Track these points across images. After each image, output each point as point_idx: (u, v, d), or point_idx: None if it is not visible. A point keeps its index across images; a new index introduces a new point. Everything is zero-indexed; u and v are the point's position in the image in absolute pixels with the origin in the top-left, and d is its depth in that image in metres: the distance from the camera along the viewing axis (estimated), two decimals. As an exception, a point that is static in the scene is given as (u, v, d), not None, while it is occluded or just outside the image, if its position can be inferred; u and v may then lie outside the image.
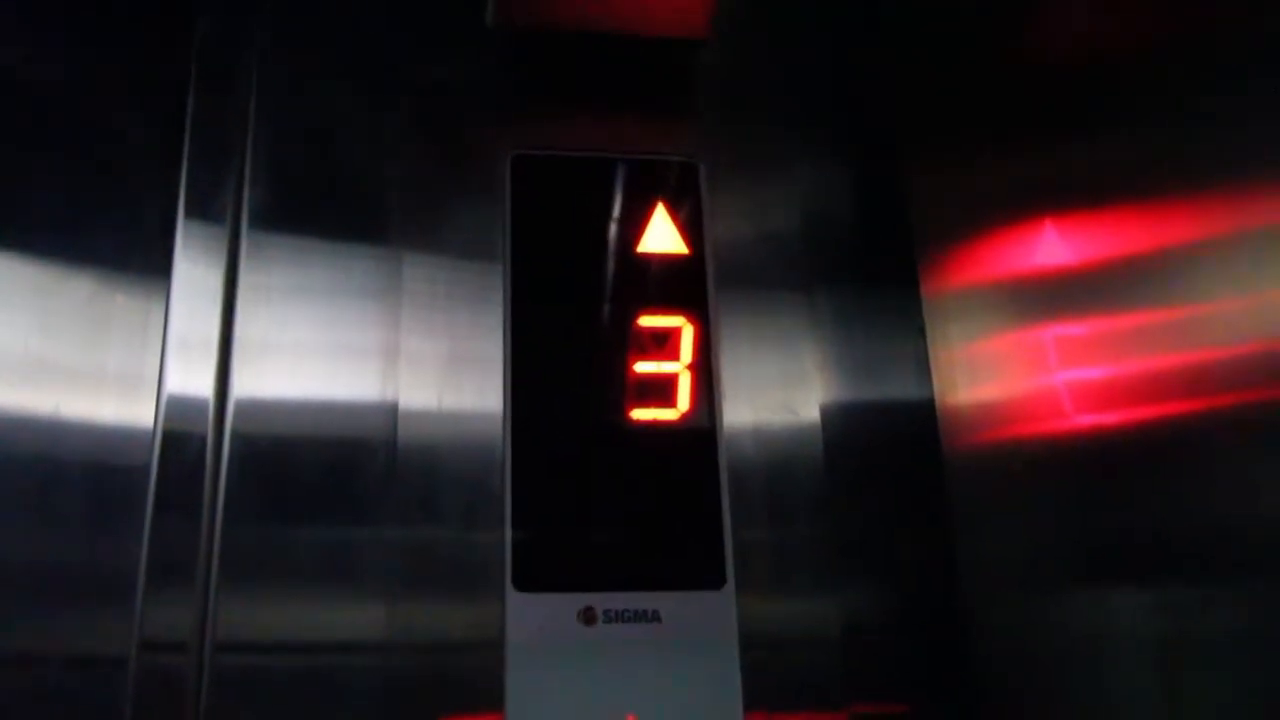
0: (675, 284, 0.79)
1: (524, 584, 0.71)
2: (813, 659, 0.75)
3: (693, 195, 0.81)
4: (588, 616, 0.71)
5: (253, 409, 0.73)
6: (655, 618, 0.71)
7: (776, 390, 0.80)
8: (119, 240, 0.74)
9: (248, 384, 0.74)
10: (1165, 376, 0.58)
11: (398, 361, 0.76)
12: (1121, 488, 0.62)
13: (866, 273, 0.85)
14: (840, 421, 0.80)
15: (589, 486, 0.74)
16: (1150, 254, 0.59)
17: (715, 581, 0.73)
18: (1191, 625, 0.57)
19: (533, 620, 0.70)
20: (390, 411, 0.75)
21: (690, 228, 0.80)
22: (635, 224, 0.80)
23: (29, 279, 0.71)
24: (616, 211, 0.80)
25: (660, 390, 0.77)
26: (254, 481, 0.72)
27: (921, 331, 0.83)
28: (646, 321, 0.78)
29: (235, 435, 0.72)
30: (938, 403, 0.81)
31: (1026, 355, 0.71)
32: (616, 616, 0.71)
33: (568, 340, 0.76)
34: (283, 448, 0.73)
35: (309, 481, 0.72)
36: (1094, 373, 0.64)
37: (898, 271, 0.85)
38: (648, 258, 0.79)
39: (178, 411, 0.72)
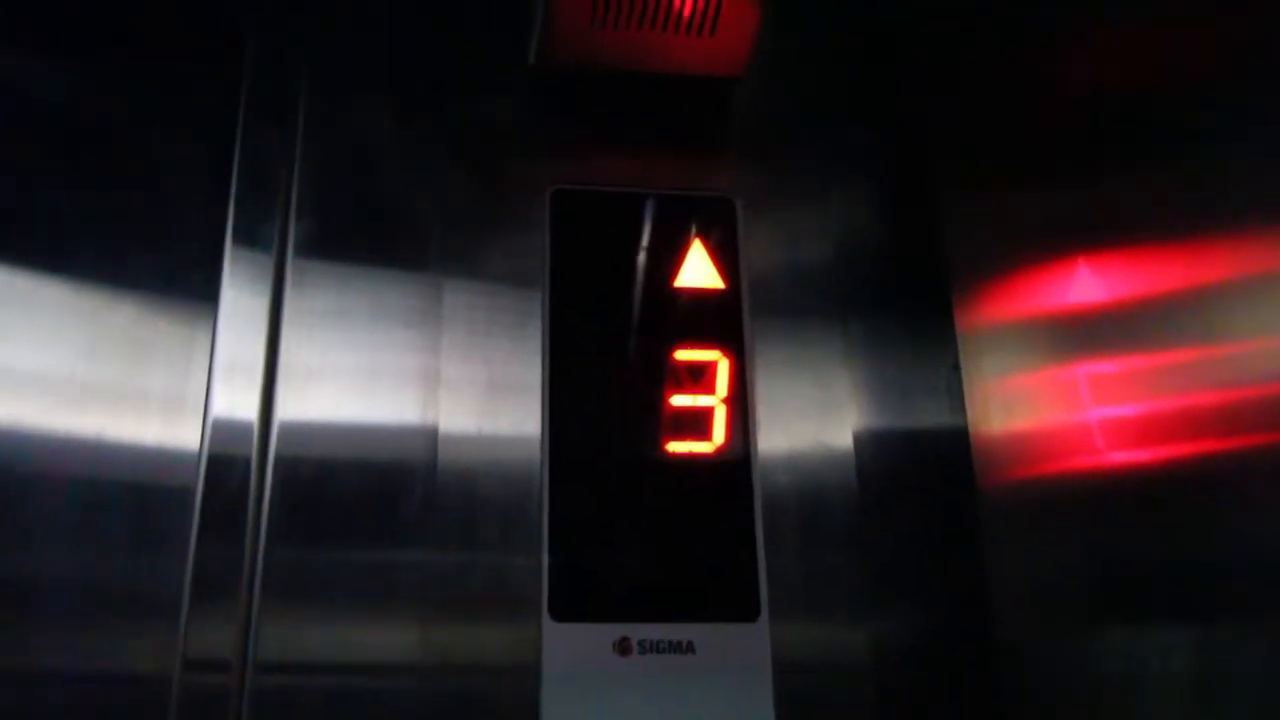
0: (711, 318, 0.80)
1: (561, 614, 0.72)
2: (844, 687, 0.76)
3: (729, 230, 0.82)
4: (623, 647, 0.72)
5: (296, 432, 0.75)
6: (690, 649, 0.72)
7: (810, 420, 0.81)
8: (165, 267, 0.76)
9: (291, 408, 0.75)
10: (1197, 413, 0.58)
11: (438, 387, 0.77)
12: (1153, 523, 0.62)
13: (900, 304, 0.86)
14: (873, 451, 0.81)
15: (625, 518, 0.75)
16: (1182, 291, 0.60)
17: (750, 614, 0.74)
18: (1223, 662, 0.57)
19: (569, 650, 0.71)
20: (430, 436, 0.76)
21: (726, 262, 0.82)
22: (672, 259, 0.81)
23: (77, 305, 0.74)
24: (654, 246, 0.81)
25: (696, 423, 0.77)
26: (296, 504, 0.73)
27: (956, 367, 0.83)
28: (683, 355, 0.79)
29: (279, 458, 0.74)
30: (971, 434, 0.82)
31: (1060, 389, 0.71)
32: (651, 647, 0.72)
33: (605, 373, 0.78)
34: (325, 471, 0.74)
35: (350, 504, 0.74)
36: (1126, 408, 0.64)
37: (931, 303, 0.85)
38: (684, 292, 0.80)
39: (223, 435, 0.73)
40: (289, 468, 0.74)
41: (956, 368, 0.83)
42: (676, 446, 0.77)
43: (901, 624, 0.78)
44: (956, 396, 0.83)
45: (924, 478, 0.81)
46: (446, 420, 0.77)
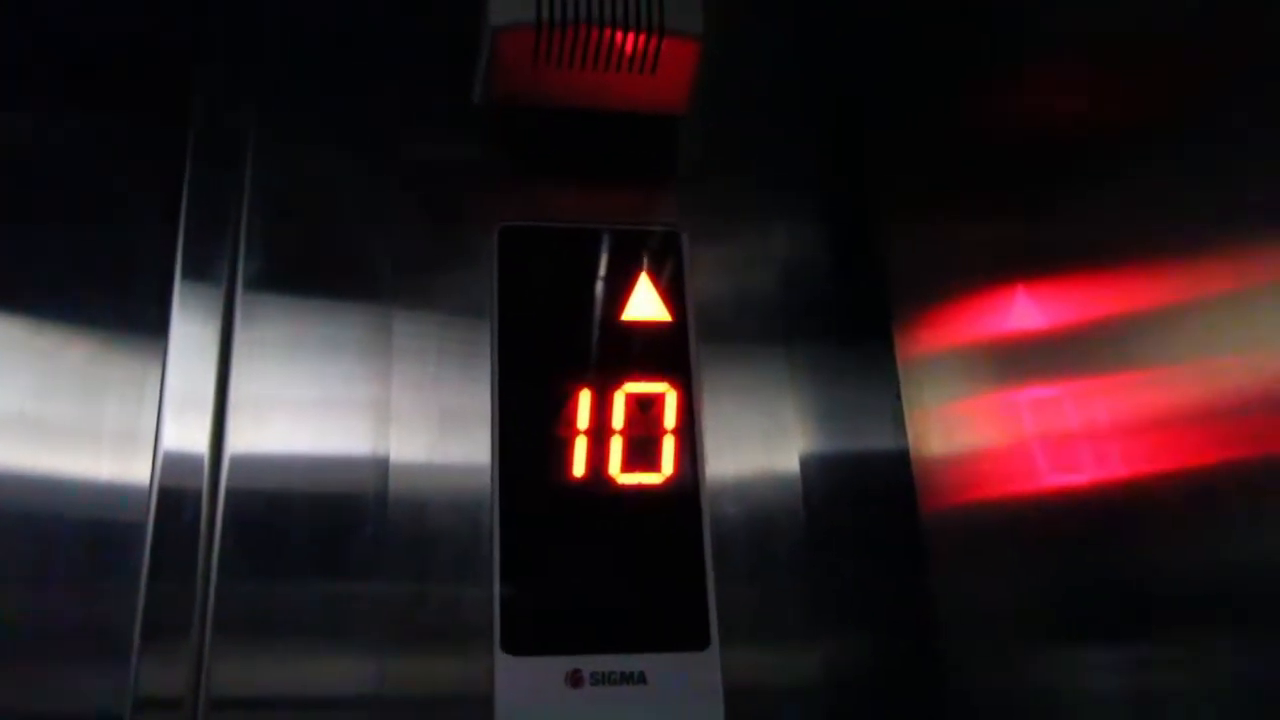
0: (659, 351, 0.81)
1: (513, 647, 0.72)
2: (795, 712, 0.77)
3: (675, 263, 0.84)
4: (575, 679, 0.72)
5: (247, 465, 0.75)
6: (641, 679, 0.73)
7: (757, 447, 0.82)
8: (116, 303, 0.77)
9: (242, 441, 0.75)
10: (1132, 437, 0.60)
11: (388, 417, 0.78)
12: (1094, 545, 0.63)
13: (844, 331, 0.87)
14: (820, 477, 0.82)
15: (576, 549, 0.76)
16: (1118, 317, 0.61)
17: (700, 643, 0.75)
18: (1164, 681, 0.58)
19: (521, 683, 0.72)
20: (381, 466, 0.76)
21: (673, 295, 0.83)
22: (620, 292, 0.82)
23: (28, 343, 0.74)
24: (601, 280, 0.82)
25: (645, 455, 0.78)
26: (248, 537, 0.73)
27: (898, 396, 0.85)
28: (631, 388, 0.80)
29: (230, 491, 0.73)
30: (913, 460, 0.83)
31: (997, 415, 0.73)
32: (603, 679, 0.73)
33: (554, 406, 0.79)
34: (277, 504, 0.74)
35: (302, 537, 0.74)
36: (1063, 432, 0.66)
37: (875, 330, 0.87)
38: (632, 326, 0.82)
39: (174, 468, 0.73)
40: (240, 501, 0.74)
41: (899, 395, 0.85)
42: (626, 478, 0.78)
43: (850, 648, 0.79)
44: (901, 423, 0.85)
45: (870, 503, 0.83)
46: (398, 451, 0.77)
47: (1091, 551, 0.64)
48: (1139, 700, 0.60)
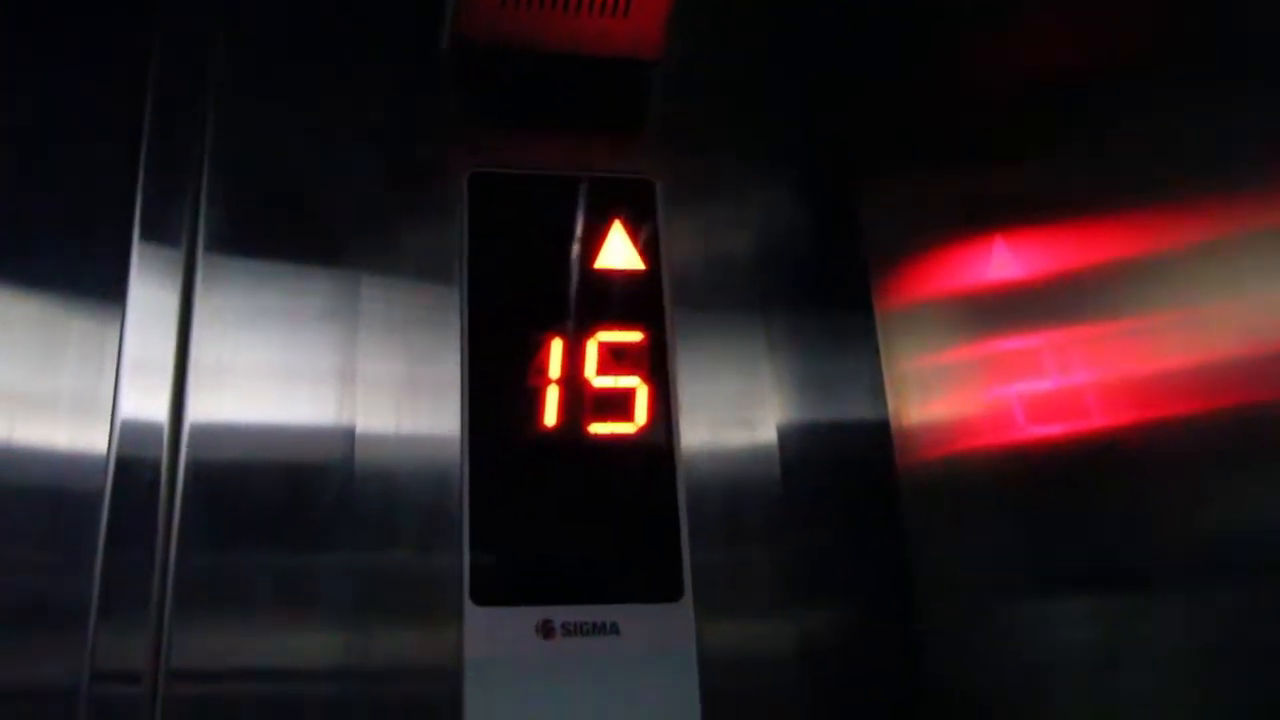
0: (632, 300, 0.80)
1: (481, 597, 0.71)
2: (769, 679, 0.75)
3: (649, 212, 0.82)
4: (546, 630, 0.71)
5: (208, 434, 0.72)
6: (614, 630, 0.71)
7: (734, 411, 0.81)
8: (73, 265, 0.74)
9: (203, 408, 0.73)
10: (1108, 390, 0.59)
11: (354, 385, 0.76)
12: (1067, 500, 0.63)
13: (821, 289, 0.86)
14: (797, 444, 0.81)
15: (548, 499, 0.74)
16: (1095, 270, 0.61)
17: (674, 594, 0.73)
18: (1130, 634, 0.58)
19: (490, 634, 0.70)
20: (347, 436, 0.74)
21: (647, 244, 0.81)
22: (592, 241, 0.81)
23: None
24: (573, 229, 0.81)
25: (618, 405, 0.77)
26: (210, 507, 0.71)
27: (877, 351, 0.84)
28: (604, 337, 0.78)
29: (190, 460, 0.71)
30: (892, 420, 0.82)
31: (977, 374, 0.72)
32: (575, 629, 0.71)
33: (525, 355, 0.77)
34: (238, 473, 0.72)
35: (265, 507, 0.72)
36: (1042, 386, 0.65)
37: (853, 289, 0.86)
38: (604, 274, 0.80)
39: (132, 436, 0.70)
40: (202, 471, 0.71)
41: (877, 350, 0.84)
42: (599, 428, 0.76)
43: (827, 618, 0.78)
44: (878, 391, 0.84)
45: (848, 471, 0.81)
46: (364, 418, 0.75)
47: (1069, 507, 0.63)
48: (1113, 655, 0.59)
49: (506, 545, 0.72)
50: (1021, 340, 0.67)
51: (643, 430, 0.77)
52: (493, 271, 0.79)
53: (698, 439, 0.79)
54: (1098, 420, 0.60)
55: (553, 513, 0.74)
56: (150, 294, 0.74)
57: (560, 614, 0.71)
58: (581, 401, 0.76)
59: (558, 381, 0.77)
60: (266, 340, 0.76)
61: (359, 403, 0.75)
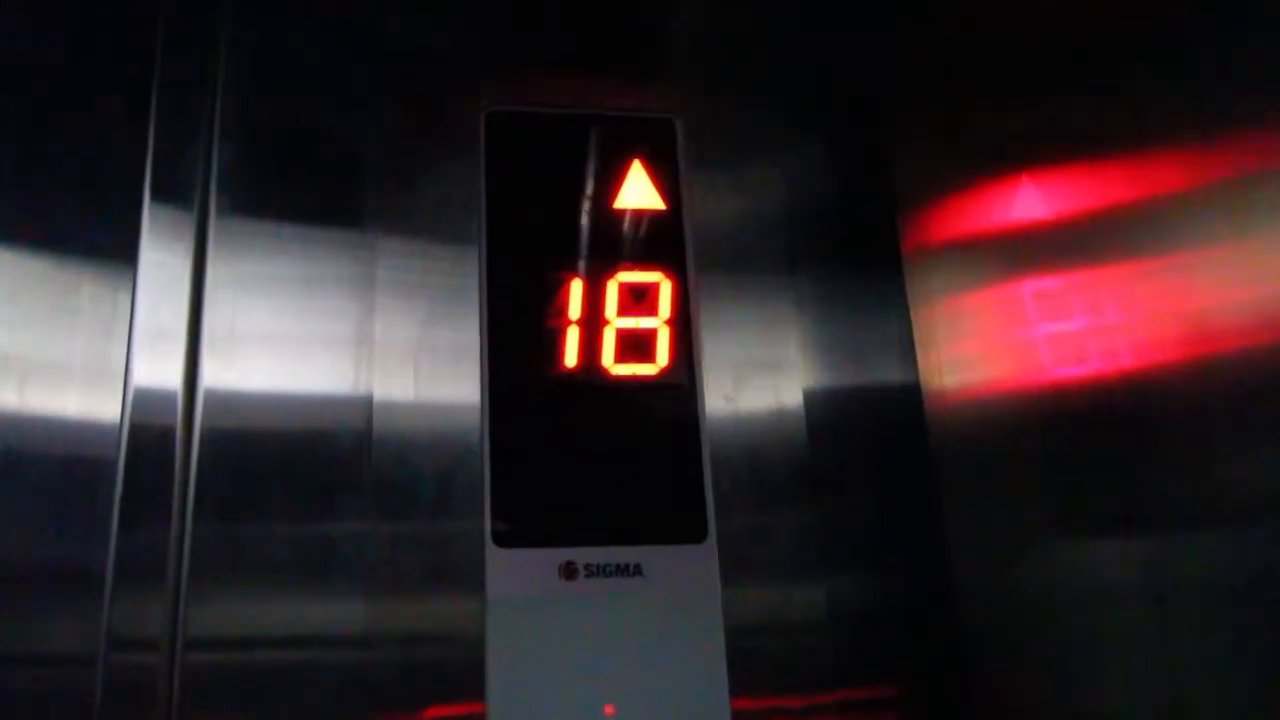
0: (653, 239, 0.78)
1: (504, 539, 0.70)
2: (800, 643, 0.74)
3: (669, 151, 0.81)
4: (569, 571, 0.70)
5: (223, 401, 0.71)
6: (637, 571, 0.71)
7: (759, 377, 0.79)
8: (83, 224, 0.72)
9: (217, 375, 0.71)
10: (1144, 333, 0.58)
11: (372, 351, 0.74)
12: (1107, 445, 0.62)
13: (850, 257, 0.84)
14: (824, 407, 0.79)
15: (568, 441, 0.73)
16: (1130, 207, 0.59)
17: (697, 535, 0.72)
18: (1175, 574, 0.57)
19: (513, 576, 0.69)
20: (364, 402, 0.73)
21: (667, 184, 0.80)
22: (612, 180, 0.79)
23: None
24: (593, 168, 0.79)
25: (639, 345, 0.76)
26: (226, 476, 0.69)
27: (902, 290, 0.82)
28: (625, 277, 0.77)
29: (205, 428, 0.70)
30: (921, 372, 0.81)
31: (1009, 317, 0.71)
32: (598, 571, 0.70)
33: (545, 296, 0.76)
34: (254, 440, 0.71)
35: (282, 474, 0.70)
36: (1078, 330, 0.64)
37: (882, 256, 0.84)
38: (625, 214, 0.79)
39: (145, 404, 0.69)
40: (216, 437, 0.70)
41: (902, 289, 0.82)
42: (620, 369, 0.75)
43: (857, 583, 0.76)
44: (908, 351, 0.82)
45: (876, 433, 0.80)
46: (381, 385, 0.73)
47: (1105, 451, 0.62)
48: (1152, 596, 0.59)
49: (527, 486, 0.72)
50: (1057, 283, 0.66)
51: (664, 371, 0.76)
52: (511, 211, 0.77)
53: (723, 410, 0.77)
54: (1135, 362, 0.59)
55: (574, 454, 0.73)
56: (162, 257, 0.73)
57: (583, 555, 0.70)
58: (602, 342, 0.75)
59: (578, 322, 0.75)
60: (281, 305, 0.74)
61: (376, 368, 0.74)
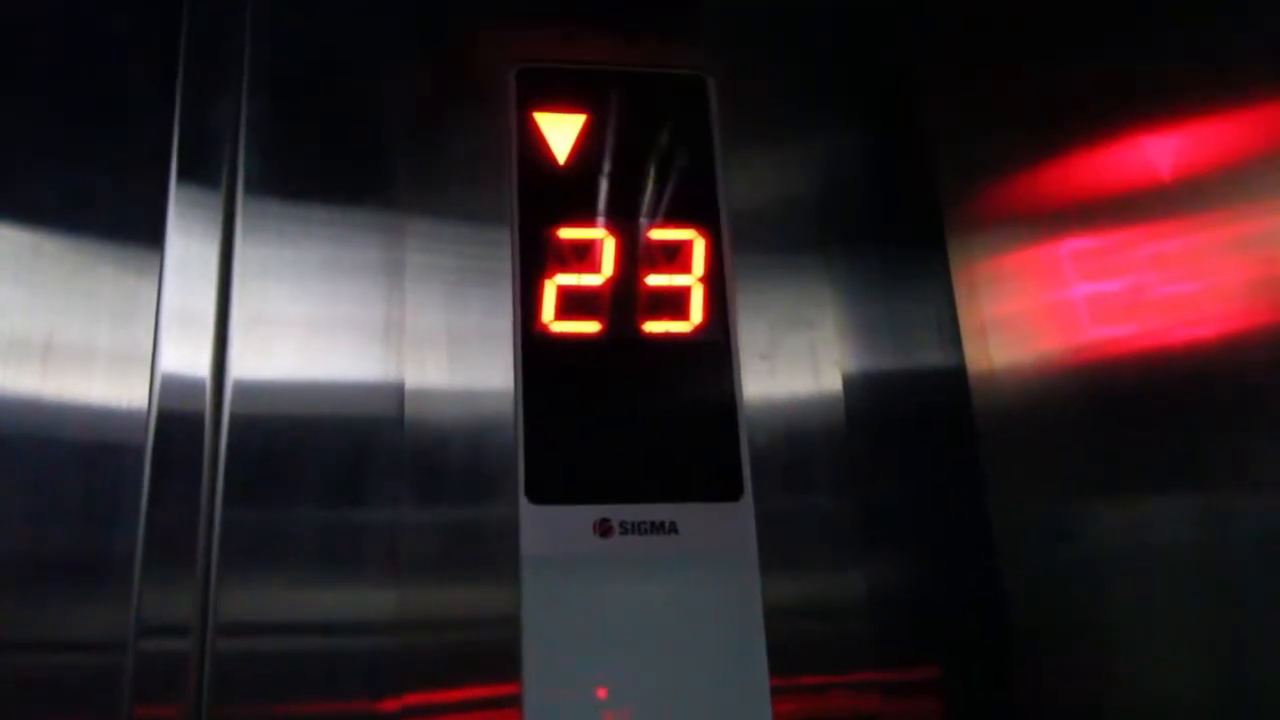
0: (685, 197, 0.78)
1: (538, 496, 0.69)
2: (840, 624, 0.73)
3: (701, 108, 0.80)
4: (603, 528, 0.69)
5: (251, 388, 0.70)
6: (672, 529, 0.70)
7: (797, 362, 0.78)
8: (109, 207, 0.71)
9: (246, 362, 0.71)
10: (1204, 297, 0.57)
11: (402, 336, 0.73)
12: (1157, 421, 0.61)
13: (890, 236, 0.83)
14: (864, 391, 0.78)
15: (601, 398, 0.73)
16: (1184, 173, 0.58)
17: (733, 493, 0.72)
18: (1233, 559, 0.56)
19: (547, 533, 0.69)
20: (396, 388, 0.72)
21: (699, 141, 0.79)
22: (644, 137, 0.78)
23: (15, 247, 0.69)
24: (624, 125, 0.79)
25: (672, 303, 0.75)
26: (255, 463, 0.69)
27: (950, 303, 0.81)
28: (657, 235, 0.76)
29: (234, 415, 0.69)
30: (968, 367, 0.79)
31: (1056, 290, 0.70)
32: (633, 528, 0.70)
33: (576, 254, 0.75)
34: (284, 427, 0.70)
35: (313, 463, 0.70)
36: (1126, 300, 0.63)
37: (924, 235, 0.82)
38: (656, 171, 0.78)
39: (173, 390, 0.68)
40: (245, 424, 0.69)
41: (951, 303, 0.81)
42: (653, 326, 0.74)
43: (897, 567, 0.75)
44: (950, 332, 0.80)
45: (918, 415, 0.79)
46: (413, 372, 0.72)
47: (1158, 419, 0.61)
48: (1206, 569, 0.58)
49: (561, 443, 0.71)
50: (1107, 253, 0.65)
51: (698, 329, 0.75)
52: (542, 169, 0.76)
53: (759, 392, 0.76)
54: (1188, 329, 0.58)
55: (608, 411, 0.72)
56: (188, 240, 0.72)
57: (618, 512, 0.70)
58: (634, 300, 0.75)
59: (610, 280, 0.75)
60: (310, 290, 0.73)
61: (407, 353, 0.73)
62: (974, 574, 0.75)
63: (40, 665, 0.63)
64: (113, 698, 0.63)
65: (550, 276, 0.74)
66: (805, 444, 0.76)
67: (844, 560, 0.74)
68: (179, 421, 0.68)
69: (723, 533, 0.71)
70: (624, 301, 0.74)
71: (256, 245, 0.73)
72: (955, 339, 0.80)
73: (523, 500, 0.69)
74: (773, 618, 0.70)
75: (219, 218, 0.73)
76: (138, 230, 0.71)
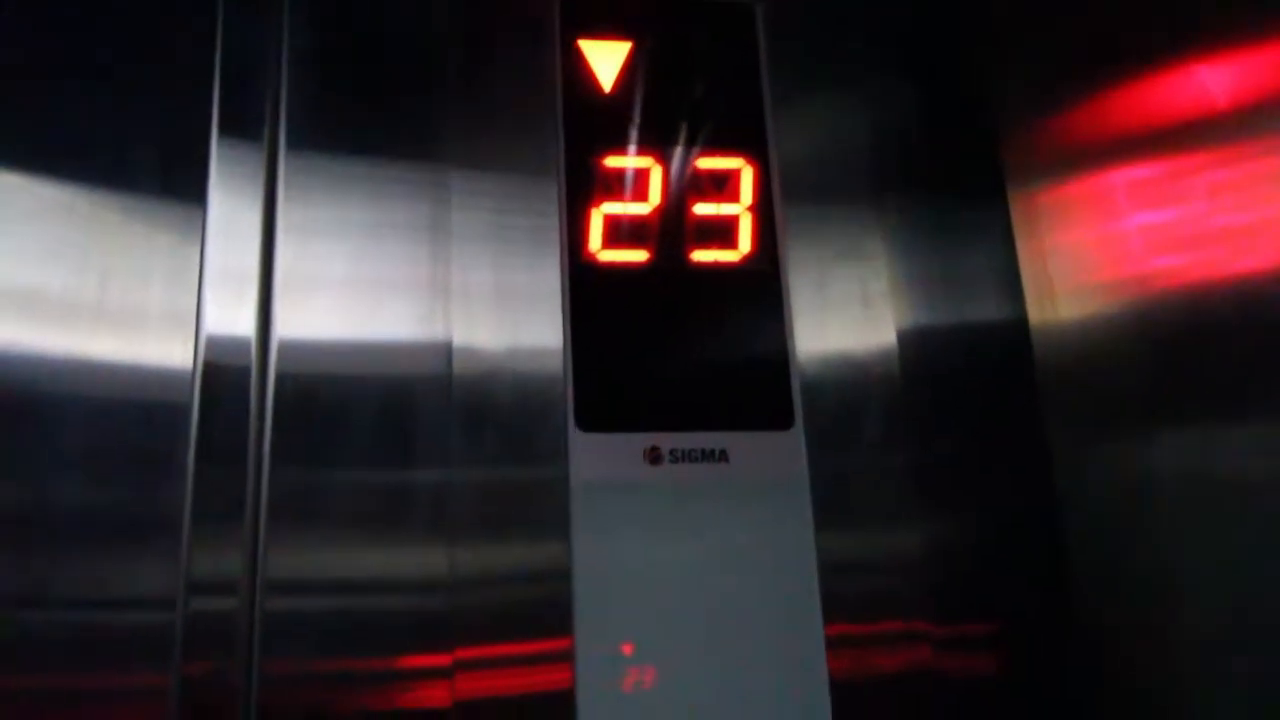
0: (733, 125, 0.76)
1: (588, 424, 0.69)
2: (897, 577, 0.71)
3: (750, 37, 0.79)
4: (654, 456, 0.69)
5: (298, 348, 0.69)
6: (723, 457, 0.69)
7: (850, 315, 0.76)
8: (152, 159, 0.70)
9: (291, 321, 0.69)
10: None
11: (449, 294, 0.71)
12: (1225, 359, 0.59)
13: (945, 182, 0.81)
14: (918, 344, 0.76)
15: (651, 327, 0.72)
16: (1259, 101, 0.56)
17: (784, 422, 0.71)
18: None
19: (597, 461, 0.68)
20: (443, 346, 0.70)
21: (747, 70, 0.78)
22: (691, 66, 0.77)
23: (57, 205, 0.68)
24: (671, 53, 0.77)
25: (720, 232, 0.74)
26: (302, 423, 0.68)
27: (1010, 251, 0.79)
28: (704, 163, 0.75)
29: (280, 374, 0.68)
30: (1030, 317, 0.77)
31: (1108, 213, 0.68)
32: (683, 456, 0.69)
33: (624, 183, 0.74)
34: (331, 385, 0.69)
35: (361, 422, 0.68)
36: (1195, 240, 0.61)
37: (981, 181, 0.80)
38: (703, 100, 0.77)
39: (218, 350, 0.68)
40: (292, 383, 0.68)
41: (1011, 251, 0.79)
42: (701, 255, 0.74)
43: (955, 522, 0.73)
44: (1009, 281, 0.78)
45: (976, 366, 0.77)
46: (461, 331, 0.71)
47: (1223, 361, 0.60)
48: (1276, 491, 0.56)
49: (610, 371, 0.70)
50: (1176, 195, 0.63)
51: (747, 258, 0.74)
52: (588, 97, 0.75)
53: (811, 347, 0.74)
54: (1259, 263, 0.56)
55: (657, 339, 0.71)
56: (231, 198, 0.70)
57: (668, 440, 0.69)
58: (682, 229, 0.74)
59: (657, 209, 0.74)
60: (354, 249, 0.72)
61: (455, 312, 0.71)
62: (1033, 526, 0.74)
63: (92, 622, 0.63)
64: (164, 654, 0.63)
65: (597, 205, 0.73)
66: (858, 380, 0.74)
67: (898, 504, 0.73)
68: (225, 380, 0.67)
69: (773, 461, 0.70)
70: (672, 230, 0.74)
71: (300, 203, 0.72)
72: (1013, 285, 0.78)
73: (572, 429, 0.69)
74: (821, 567, 0.69)
75: (261, 174, 0.72)
76: (179, 186, 0.70)
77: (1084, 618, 0.71)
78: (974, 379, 0.76)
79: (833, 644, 0.68)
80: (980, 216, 0.80)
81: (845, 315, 0.75)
